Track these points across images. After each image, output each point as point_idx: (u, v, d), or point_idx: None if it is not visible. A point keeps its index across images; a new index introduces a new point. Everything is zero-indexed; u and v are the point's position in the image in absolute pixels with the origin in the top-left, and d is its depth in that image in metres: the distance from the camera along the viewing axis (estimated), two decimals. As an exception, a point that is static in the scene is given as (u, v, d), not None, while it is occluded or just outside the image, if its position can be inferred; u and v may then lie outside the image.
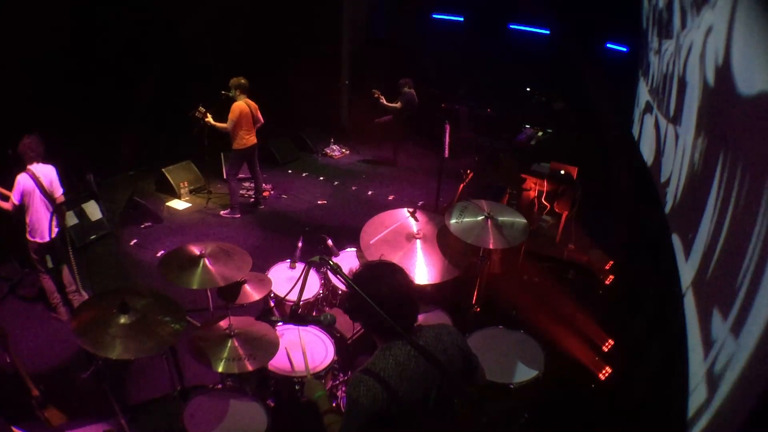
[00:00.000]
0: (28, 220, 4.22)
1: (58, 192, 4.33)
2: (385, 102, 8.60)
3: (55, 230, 4.30)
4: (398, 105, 8.56)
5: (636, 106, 6.59)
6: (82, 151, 6.39)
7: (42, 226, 4.22)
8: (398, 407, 1.76)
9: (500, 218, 3.63)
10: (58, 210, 4.33)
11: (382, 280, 1.86)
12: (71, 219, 5.66)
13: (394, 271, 1.91)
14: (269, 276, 3.51)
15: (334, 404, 2.39)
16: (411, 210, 3.74)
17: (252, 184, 7.20)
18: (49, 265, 4.45)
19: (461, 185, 4.79)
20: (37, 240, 4.26)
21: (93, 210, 5.94)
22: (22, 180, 4.10)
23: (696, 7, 3.52)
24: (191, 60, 7.52)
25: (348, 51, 10.43)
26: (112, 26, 6.37)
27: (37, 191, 4.15)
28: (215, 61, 7.44)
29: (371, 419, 1.73)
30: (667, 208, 3.89)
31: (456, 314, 3.57)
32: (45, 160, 4.27)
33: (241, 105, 6.23)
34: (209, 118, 6.36)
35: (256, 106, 6.43)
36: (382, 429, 1.77)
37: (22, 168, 4.15)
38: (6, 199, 4.15)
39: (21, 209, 4.16)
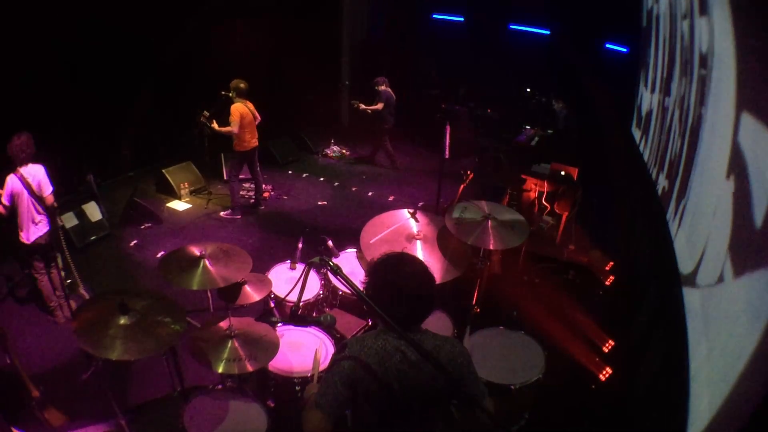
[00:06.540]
0: (18, 221, 4.20)
1: (48, 191, 4.26)
2: (365, 107, 8.53)
3: (42, 231, 4.26)
4: (379, 105, 8.47)
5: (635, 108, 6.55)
6: (82, 152, 6.41)
7: (28, 227, 4.21)
8: (375, 385, 1.81)
9: (500, 219, 3.63)
10: (51, 213, 4.29)
11: (387, 271, 1.87)
12: (71, 220, 5.65)
13: (401, 265, 1.88)
14: (269, 277, 3.51)
15: None
16: (411, 211, 3.74)
17: (252, 185, 7.19)
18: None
19: (461, 186, 4.78)
20: (25, 241, 4.25)
21: (93, 211, 5.93)
22: (11, 181, 4.07)
23: None
24: (192, 60, 7.53)
25: (348, 51, 10.44)
26: (112, 26, 6.37)
27: (26, 192, 4.11)
28: (216, 62, 7.43)
29: (349, 385, 1.80)
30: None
31: (456, 315, 3.56)
32: (35, 161, 4.20)
33: (240, 106, 6.23)
34: (214, 124, 6.34)
35: (252, 105, 6.43)
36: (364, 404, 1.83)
37: (11, 169, 4.09)
38: None
39: (13, 211, 4.14)
